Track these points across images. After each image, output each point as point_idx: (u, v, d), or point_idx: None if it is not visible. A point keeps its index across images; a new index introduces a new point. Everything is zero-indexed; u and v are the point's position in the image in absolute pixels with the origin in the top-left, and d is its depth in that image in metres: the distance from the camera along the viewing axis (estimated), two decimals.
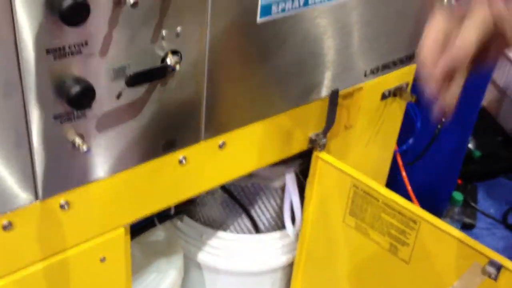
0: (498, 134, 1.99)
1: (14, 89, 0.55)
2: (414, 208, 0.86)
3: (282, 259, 1.07)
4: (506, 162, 1.96)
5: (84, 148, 0.61)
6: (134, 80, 0.62)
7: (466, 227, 1.72)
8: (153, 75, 0.64)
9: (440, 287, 0.87)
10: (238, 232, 1.04)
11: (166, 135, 0.71)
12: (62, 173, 0.64)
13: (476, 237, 1.77)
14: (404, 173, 1.20)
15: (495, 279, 0.79)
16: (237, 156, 0.82)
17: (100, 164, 0.66)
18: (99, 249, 0.73)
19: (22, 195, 0.62)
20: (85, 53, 0.58)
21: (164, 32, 0.63)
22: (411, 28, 0.94)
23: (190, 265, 1.05)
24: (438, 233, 0.84)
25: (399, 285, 0.92)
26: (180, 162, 0.75)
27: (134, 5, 0.56)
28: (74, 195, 0.66)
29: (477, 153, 1.87)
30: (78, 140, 0.62)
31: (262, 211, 1.03)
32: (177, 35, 0.64)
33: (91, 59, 0.59)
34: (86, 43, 0.58)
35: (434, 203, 1.62)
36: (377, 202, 0.89)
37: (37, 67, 0.55)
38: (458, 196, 1.61)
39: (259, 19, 0.71)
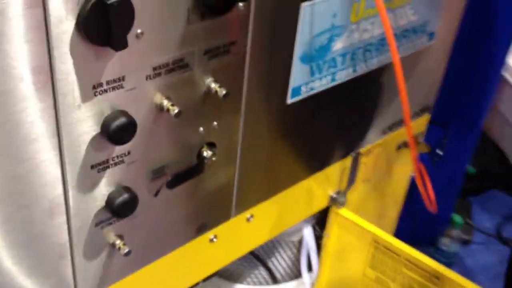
0: (490, 150, 2.02)
1: (59, 209, 0.55)
2: (436, 265, 0.88)
3: None
4: (499, 177, 1.99)
5: (126, 249, 0.61)
6: (174, 182, 0.62)
7: (463, 243, 1.75)
8: (192, 173, 0.64)
9: None
10: (255, 284, 1.05)
11: (199, 219, 0.71)
12: (102, 274, 0.63)
13: (473, 253, 1.81)
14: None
15: None
16: (264, 225, 0.82)
17: (137, 258, 0.66)
18: None
19: None
20: (127, 162, 0.57)
21: (201, 129, 0.63)
22: (424, 83, 0.94)
23: None
24: None
25: None
26: (211, 240, 0.75)
27: (178, 115, 0.56)
28: None
29: (472, 170, 1.89)
30: (118, 242, 0.61)
31: (279, 262, 1.04)
32: (213, 129, 0.64)
33: (132, 166, 0.58)
34: (129, 153, 0.57)
35: (434, 225, 1.64)
36: (398, 257, 0.90)
37: (82, 182, 0.55)
38: (458, 219, 1.63)
39: (289, 100, 0.71)
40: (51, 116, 0.49)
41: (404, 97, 0.74)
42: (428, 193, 1.03)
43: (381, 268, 0.93)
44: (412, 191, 1.21)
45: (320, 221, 1.02)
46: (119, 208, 0.57)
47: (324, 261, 1.01)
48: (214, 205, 0.71)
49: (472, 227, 1.80)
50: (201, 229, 0.72)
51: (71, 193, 0.54)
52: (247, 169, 0.72)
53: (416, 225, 1.48)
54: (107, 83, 0.51)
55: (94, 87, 0.51)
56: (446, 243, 1.62)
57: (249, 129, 0.68)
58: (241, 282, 1.04)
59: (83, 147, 0.53)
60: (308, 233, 0.99)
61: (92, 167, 0.55)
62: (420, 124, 1.00)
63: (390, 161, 0.99)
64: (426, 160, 1.16)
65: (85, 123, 0.51)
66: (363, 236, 0.92)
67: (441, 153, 1.21)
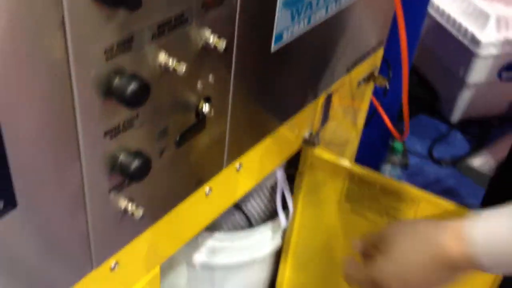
0: (412, 75, 2.12)
1: (74, 174, 0.53)
2: (412, 189, 0.93)
3: (272, 247, 1.12)
4: (423, 101, 2.10)
5: (140, 213, 0.61)
6: (182, 141, 0.62)
7: (403, 168, 1.85)
8: (197, 129, 0.64)
9: None
10: (231, 230, 1.07)
11: (197, 174, 0.71)
12: (114, 238, 0.63)
13: (412, 175, 1.92)
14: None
15: None
16: (251, 172, 0.83)
17: (146, 218, 0.66)
18: None
19: (80, 269, 0.61)
20: (136, 126, 0.56)
21: (199, 84, 0.62)
22: (379, 18, 0.97)
23: (188, 268, 1.07)
24: (438, 210, 0.91)
25: None
26: (207, 194, 0.75)
27: (184, 72, 0.55)
28: (122, 254, 0.66)
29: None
30: (131, 207, 0.61)
31: (253, 207, 1.06)
32: (210, 83, 0.64)
33: (141, 129, 0.57)
34: (137, 116, 0.56)
35: (376, 153, 1.72)
36: (374, 187, 0.95)
37: (96, 150, 0.53)
38: (399, 146, 1.72)
39: (273, 47, 0.71)
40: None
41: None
42: (390, 126, 1.08)
43: (356, 200, 0.97)
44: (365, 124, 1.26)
45: (290, 162, 1.05)
46: (135, 172, 0.56)
47: (298, 200, 1.04)
48: (209, 158, 0.72)
49: (407, 151, 1.91)
50: (198, 183, 0.72)
51: (84, 160, 0.53)
52: (236, 119, 0.72)
53: (363, 154, 1.56)
54: (117, 45, 0.50)
55: (105, 52, 0.49)
56: (389, 169, 1.71)
57: (238, 79, 0.68)
58: (218, 230, 1.06)
59: (97, 114, 0.51)
60: (281, 175, 1.02)
61: (105, 134, 0.53)
62: (377, 58, 1.04)
63: (352, 97, 1.03)
64: (379, 94, 1.21)
65: (98, 87, 0.50)
66: (338, 172, 0.96)
67: (388, 86, 1.26)
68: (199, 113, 0.64)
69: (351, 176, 0.96)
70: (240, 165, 0.79)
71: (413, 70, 2.13)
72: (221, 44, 0.59)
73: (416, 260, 0.63)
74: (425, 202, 0.91)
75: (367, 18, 0.93)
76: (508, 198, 0.63)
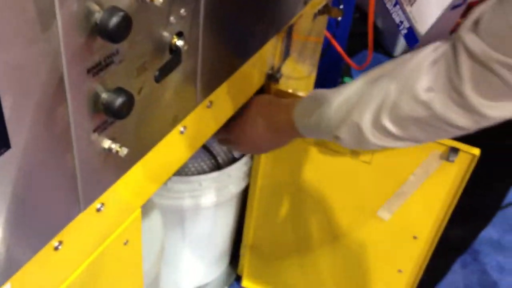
0: (355, 12, 2.14)
1: (60, 115, 0.53)
2: None
3: (239, 187, 1.14)
4: (366, 37, 2.13)
5: (124, 151, 0.61)
6: (161, 76, 0.61)
7: None
8: (175, 64, 0.63)
9: (401, 179, 1.00)
10: (199, 172, 1.08)
11: (172, 111, 0.71)
12: (99, 179, 0.63)
13: None
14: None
15: (453, 161, 0.94)
16: (220, 110, 0.84)
17: (128, 158, 0.66)
18: (124, 234, 0.74)
19: (68, 212, 0.61)
20: (116, 62, 0.56)
21: (171, 18, 0.62)
22: None
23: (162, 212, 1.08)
24: None
25: (363, 184, 1.04)
26: (181, 132, 0.76)
27: (164, 2, 0.55)
28: (107, 195, 0.66)
29: None
30: (114, 146, 0.61)
31: (220, 147, 1.07)
32: (181, 17, 0.63)
33: (121, 65, 0.57)
34: (117, 52, 0.55)
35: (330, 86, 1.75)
36: None
37: (80, 88, 0.53)
38: (349, 80, 1.75)
39: None
40: None
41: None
42: (345, 56, 1.11)
43: None
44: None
45: None
46: (120, 109, 0.56)
47: None
48: (182, 95, 0.72)
49: None
50: (174, 122, 0.73)
51: (70, 102, 0.53)
52: (207, 55, 0.72)
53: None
54: None
55: None
56: None
57: (208, 13, 0.68)
58: (186, 174, 1.07)
59: (80, 51, 0.51)
60: None
61: (88, 71, 0.53)
62: None
63: (308, 30, 1.04)
64: (332, 26, 1.23)
65: (80, 23, 0.49)
66: None
67: (339, 18, 1.28)
68: (172, 48, 0.64)
69: None
70: (211, 102, 0.80)
71: (356, 6, 2.16)
72: None
73: (262, 130, 0.89)
74: None
75: None
76: None
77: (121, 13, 0.50)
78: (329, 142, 1.01)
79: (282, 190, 1.16)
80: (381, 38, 2.18)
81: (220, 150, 1.09)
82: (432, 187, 0.99)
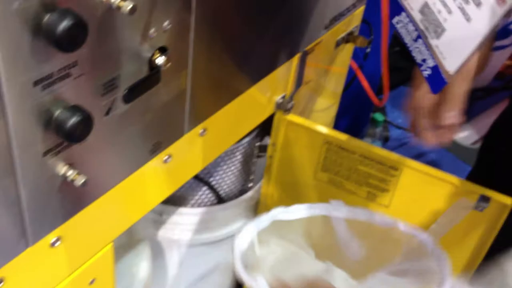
0: (395, 45, 2.03)
1: None
2: (394, 156, 0.86)
3: (243, 223, 1.04)
4: (405, 72, 2.02)
5: (82, 179, 0.52)
6: (131, 95, 0.53)
7: (383, 140, 1.78)
8: (149, 83, 0.55)
9: (422, 227, 0.89)
10: (200, 206, 0.99)
11: (153, 138, 0.62)
12: (53, 210, 0.54)
13: (391, 149, 1.86)
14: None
15: (482, 210, 0.82)
16: (217, 138, 0.75)
17: (91, 189, 0.57)
18: (89, 272, 0.65)
19: (12, 246, 0.52)
20: (74, 75, 0.47)
21: (152, 31, 0.53)
22: None
23: (154, 246, 0.99)
24: (421, 176, 0.84)
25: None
26: (165, 161, 0.67)
27: (132, 11, 0.46)
28: (66, 229, 0.57)
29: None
30: (71, 173, 0.52)
31: (223, 180, 0.98)
32: (165, 30, 0.55)
33: (80, 79, 0.48)
34: (75, 64, 0.47)
35: (357, 124, 1.65)
36: (353, 155, 0.87)
37: (24, 102, 0.44)
38: (379, 117, 1.64)
39: None
40: None
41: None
42: (368, 89, 1.01)
43: (334, 169, 0.90)
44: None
45: (261, 130, 0.97)
46: (72, 131, 0.47)
47: (271, 171, 0.96)
48: (167, 120, 0.63)
49: (388, 123, 1.84)
50: (155, 149, 0.64)
51: (11, 118, 0.44)
52: (199, 76, 0.64)
53: (341, 124, 1.48)
54: None
55: None
56: (369, 142, 1.64)
57: (201, 29, 0.60)
58: (185, 206, 0.98)
59: (23, 58, 0.42)
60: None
61: (36, 83, 0.44)
62: (355, 17, 0.95)
63: (330, 58, 0.95)
64: (358, 57, 1.13)
65: (24, 23, 0.41)
66: (314, 139, 0.88)
67: (369, 49, 1.19)
68: (153, 66, 0.55)
69: (328, 143, 0.88)
70: (204, 130, 0.71)
71: (395, 39, 2.05)
72: None
73: None
74: (408, 169, 0.84)
75: None
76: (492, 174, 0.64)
77: (74, 17, 0.42)
78: (345, 182, 0.91)
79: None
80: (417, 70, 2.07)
81: (221, 184, 1.00)
82: (456, 238, 0.88)
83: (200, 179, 0.95)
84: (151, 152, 0.63)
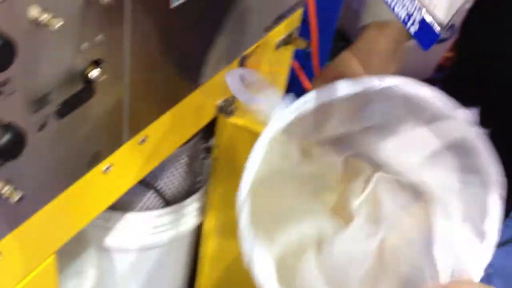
0: (340, 40, 2.07)
1: None
2: None
3: (191, 225, 1.05)
4: None
5: (18, 195, 0.52)
6: (65, 110, 0.53)
7: None
8: (83, 98, 0.55)
9: None
10: (147, 209, 0.99)
11: (91, 149, 0.63)
12: None
13: None
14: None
15: None
16: (158, 145, 0.75)
17: (29, 203, 0.57)
18: (32, 285, 0.65)
19: None
20: (5, 93, 0.47)
21: (85, 45, 0.53)
22: None
23: (101, 252, 0.99)
24: None
25: None
26: (105, 171, 0.67)
27: (60, 28, 0.46)
28: (3, 244, 0.57)
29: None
30: (6, 189, 0.52)
31: (169, 183, 0.98)
32: (98, 43, 0.55)
33: (12, 97, 0.48)
34: (6, 82, 0.47)
35: None
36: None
37: None
38: None
39: (173, 4, 0.63)
40: None
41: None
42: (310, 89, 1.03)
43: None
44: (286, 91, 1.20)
45: (207, 132, 0.98)
46: (4, 148, 0.47)
47: (217, 173, 0.97)
48: (105, 131, 0.63)
49: None
50: (94, 160, 0.64)
51: None
52: (137, 85, 0.64)
53: None
54: None
55: None
56: None
57: (136, 39, 0.60)
58: (132, 211, 0.98)
59: None
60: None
61: None
62: (295, 19, 0.97)
63: (270, 61, 0.96)
64: (300, 58, 1.15)
65: None
66: (256, 140, 0.89)
67: (309, 50, 1.20)
68: (87, 79, 0.55)
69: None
70: (145, 137, 0.71)
71: (339, 34, 2.08)
72: None
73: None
74: None
75: None
76: None
77: (0, 38, 0.42)
78: None
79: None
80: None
81: (167, 187, 1.00)
82: None
83: (146, 183, 0.95)
84: (90, 164, 0.63)
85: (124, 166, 0.70)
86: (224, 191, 1.01)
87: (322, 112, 0.63)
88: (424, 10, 0.57)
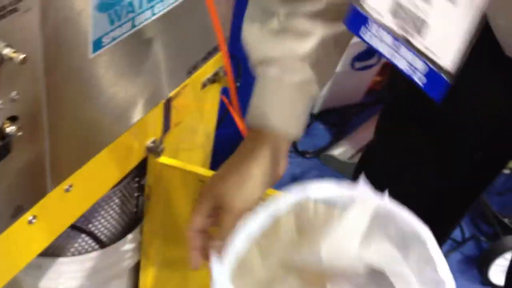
0: None
1: None
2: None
3: (128, 263, 1.05)
4: None
5: None
6: None
7: None
8: (1, 154, 0.55)
9: None
10: (81, 253, 0.98)
11: (13, 203, 0.63)
12: None
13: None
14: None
15: None
16: (85, 192, 0.76)
17: None
18: None
19: None
20: None
21: None
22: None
23: None
24: None
25: None
26: (30, 222, 0.67)
27: None
28: None
29: None
30: None
31: (103, 224, 0.98)
32: (13, 100, 0.56)
33: None
34: None
35: None
36: None
37: None
38: None
39: (91, 55, 0.65)
40: None
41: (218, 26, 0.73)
42: (240, 124, 1.05)
43: None
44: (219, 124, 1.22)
45: (141, 170, 0.99)
46: None
47: (150, 211, 0.98)
48: (27, 184, 0.64)
49: None
50: (17, 213, 0.64)
51: None
52: (57, 137, 0.65)
53: (226, 156, 1.52)
54: None
55: None
56: None
57: (53, 93, 0.61)
58: (64, 255, 0.97)
59: None
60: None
61: None
62: (220, 58, 0.99)
63: (197, 100, 0.98)
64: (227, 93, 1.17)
65: None
66: (188, 178, 0.91)
67: (238, 83, 1.23)
68: (3, 136, 0.56)
69: (202, 182, 0.91)
70: (71, 185, 0.72)
71: None
72: (18, 57, 0.51)
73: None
74: None
75: (205, 15, 0.89)
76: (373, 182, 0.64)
77: None
78: None
79: (175, 267, 1.08)
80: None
81: (102, 229, 1.00)
82: None
83: (77, 228, 0.95)
84: (13, 216, 0.64)
85: (50, 215, 0.70)
86: (160, 228, 1.02)
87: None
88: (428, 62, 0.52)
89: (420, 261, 0.62)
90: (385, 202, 0.62)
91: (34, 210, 0.67)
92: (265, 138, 0.68)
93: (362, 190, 0.63)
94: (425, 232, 0.61)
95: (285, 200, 0.63)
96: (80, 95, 0.66)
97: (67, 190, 0.72)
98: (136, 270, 1.10)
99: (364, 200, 0.63)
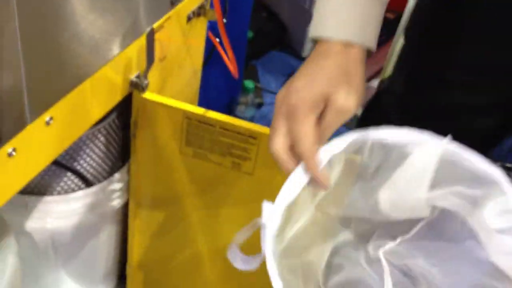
0: (261, 10, 2.06)
1: None
2: (251, 126, 0.88)
3: (116, 204, 1.04)
4: (274, 36, 2.06)
5: None
6: None
7: (257, 107, 1.82)
8: None
9: None
10: (67, 192, 0.97)
11: None
12: None
13: (267, 114, 1.90)
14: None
15: None
16: (66, 126, 0.73)
17: None
18: None
19: None
20: None
21: None
22: None
23: (21, 238, 0.96)
24: None
25: (247, 195, 0.96)
26: (9, 155, 0.65)
27: None
28: None
29: (250, 34, 1.92)
30: None
31: (88, 162, 0.97)
32: None
33: None
34: None
35: (228, 93, 1.67)
36: (214, 128, 0.89)
37: None
38: (249, 84, 1.67)
39: None
40: None
41: None
42: (230, 60, 1.02)
43: (197, 143, 0.91)
44: (206, 62, 1.20)
45: (123, 110, 0.96)
46: None
47: (136, 150, 0.96)
48: (5, 114, 0.61)
49: (261, 89, 1.87)
50: None
51: None
52: (33, 65, 0.62)
53: (212, 96, 1.49)
54: None
55: None
56: (242, 110, 1.67)
57: (26, 17, 0.58)
58: (50, 194, 0.96)
59: None
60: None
61: None
62: None
63: (183, 34, 0.95)
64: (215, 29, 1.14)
65: None
66: (173, 115, 0.89)
67: (225, 20, 1.20)
68: None
69: (188, 119, 0.89)
70: (51, 118, 0.69)
71: (261, 4, 2.08)
72: None
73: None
74: (265, 136, 0.87)
75: None
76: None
77: None
78: (210, 155, 0.93)
79: (164, 206, 1.07)
80: (287, 37, 2.11)
81: (88, 167, 0.98)
82: None
83: (62, 165, 0.93)
84: None
85: (30, 148, 0.68)
86: (146, 166, 1.00)
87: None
88: None
89: (496, 205, 0.61)
90: (453, 145, 0.61)
91: (13, 142, 0.64)
92: (332, 48, 0.62)
93: (426, 134, 0.62)
94: (497, 175, 0.61)
95: (344, 139, 0.62)
96: (53, 20, 0.63)
97: (47, 123, 0.69)
98: (125, 211, 1.10)
99: (430, 143, 0.61)
